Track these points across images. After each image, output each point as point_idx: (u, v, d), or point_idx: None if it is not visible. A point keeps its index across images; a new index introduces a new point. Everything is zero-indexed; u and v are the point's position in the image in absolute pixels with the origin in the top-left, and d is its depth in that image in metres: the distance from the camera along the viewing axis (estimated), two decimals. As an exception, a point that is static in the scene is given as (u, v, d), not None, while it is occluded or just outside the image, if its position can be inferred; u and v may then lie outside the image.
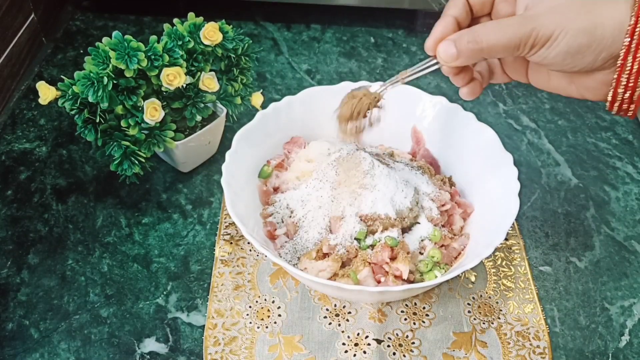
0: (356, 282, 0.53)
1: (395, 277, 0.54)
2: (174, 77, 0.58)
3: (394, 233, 0.55)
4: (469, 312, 0.58)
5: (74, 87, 0.57)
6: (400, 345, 0.56)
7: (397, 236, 0.55)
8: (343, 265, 0.55)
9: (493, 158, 0.60)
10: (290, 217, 0.59)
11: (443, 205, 0.59)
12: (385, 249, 0.54)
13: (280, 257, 0.56)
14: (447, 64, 0.44)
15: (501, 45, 0.41)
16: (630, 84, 0.41)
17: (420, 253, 0.57)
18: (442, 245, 0.58)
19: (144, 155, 0.61)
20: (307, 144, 0.65)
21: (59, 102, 0.58)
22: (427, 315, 0.58)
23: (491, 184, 0.59)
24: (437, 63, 0.46)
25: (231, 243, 0.63)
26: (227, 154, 0.58)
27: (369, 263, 0.54)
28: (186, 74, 0.60)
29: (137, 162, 0.60)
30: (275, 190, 0.63)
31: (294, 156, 0.64)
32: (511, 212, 0.54)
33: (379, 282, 0.54)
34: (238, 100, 0.66)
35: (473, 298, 0.59)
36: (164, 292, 0.60)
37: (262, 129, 0.62)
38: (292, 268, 0.51)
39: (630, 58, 0.40)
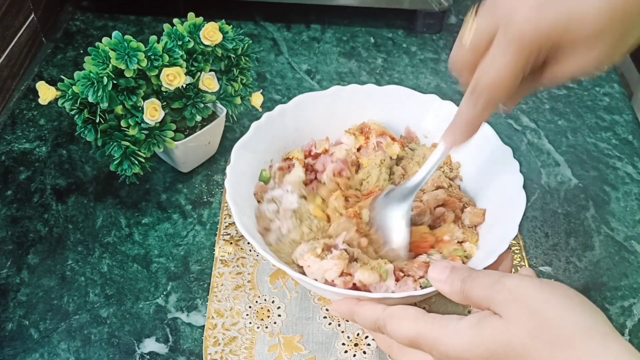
0: (385, 276, 0.51)
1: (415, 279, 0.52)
2: (173, 77, 0.58)
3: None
4: (469, 311, 0.58)
5: (73, 87, 0.57)
6: (400, 345, 0.55)
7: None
8: (350, 261, 0.53)
9: (492, 152, 0.59)
10: (280, 211, 0.57)
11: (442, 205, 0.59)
12: (422, 267, 0.52)
13: (281, 261, 0.53)
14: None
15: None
16: None
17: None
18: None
19: (144, 155, 0.61)
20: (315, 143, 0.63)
21: (59, 102, 0.58)
22: (427, 315, 0.58)
23: (494, 180, 0.58)
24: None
25: (231, 243, 0.63)
26: (228, 169, 0.56)
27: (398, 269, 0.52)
28: (186, 74, 0.60)
29: (137, 162, 0.60)
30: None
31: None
32: (519, 205, 0.53)
33: (397, 279, 0.52)
34: (238, 100, 0.66)
35: (473, 298, 0.59)
36: (164, 292, 0.60)
37: (259, 139, 0.60)
38: (323, 285, 0.49)
39: None
